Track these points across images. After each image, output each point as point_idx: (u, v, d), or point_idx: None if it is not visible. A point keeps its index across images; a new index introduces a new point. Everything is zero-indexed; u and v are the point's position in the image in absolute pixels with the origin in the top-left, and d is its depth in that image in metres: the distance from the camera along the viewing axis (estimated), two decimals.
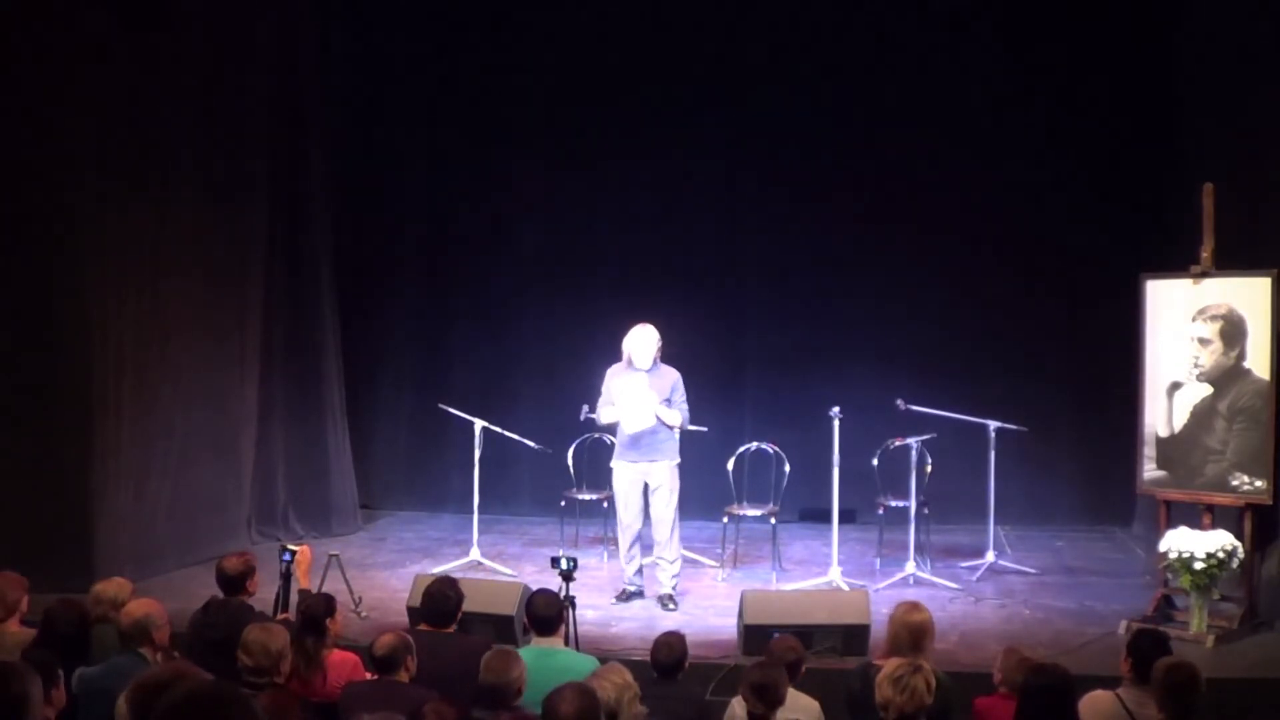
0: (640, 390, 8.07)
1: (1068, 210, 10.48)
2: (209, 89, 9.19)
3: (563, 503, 9.59)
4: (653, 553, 8.24)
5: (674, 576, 8.18)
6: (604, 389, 8.30)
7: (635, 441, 8.13)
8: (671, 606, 8.06)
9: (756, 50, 10.71)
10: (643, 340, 8.17)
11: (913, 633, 5.31)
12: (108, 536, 8.23)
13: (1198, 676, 4.63)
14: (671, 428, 8.14)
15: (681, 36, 10.77)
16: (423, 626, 5.79)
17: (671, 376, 8.23)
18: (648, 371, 8.14)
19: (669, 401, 8.15)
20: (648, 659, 5.97)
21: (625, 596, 8.17)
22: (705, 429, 8.87)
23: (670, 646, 5.41)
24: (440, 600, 5.78)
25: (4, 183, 8.17)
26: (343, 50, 10.75)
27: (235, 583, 6.01)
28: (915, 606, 5.48)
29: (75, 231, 8.18)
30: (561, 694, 4.08)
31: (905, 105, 10.58)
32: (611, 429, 8.54)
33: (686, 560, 8.63)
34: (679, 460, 8.22)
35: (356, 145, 11.08)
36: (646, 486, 8.15)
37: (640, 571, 8.32)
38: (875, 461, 9.08)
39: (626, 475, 8.20)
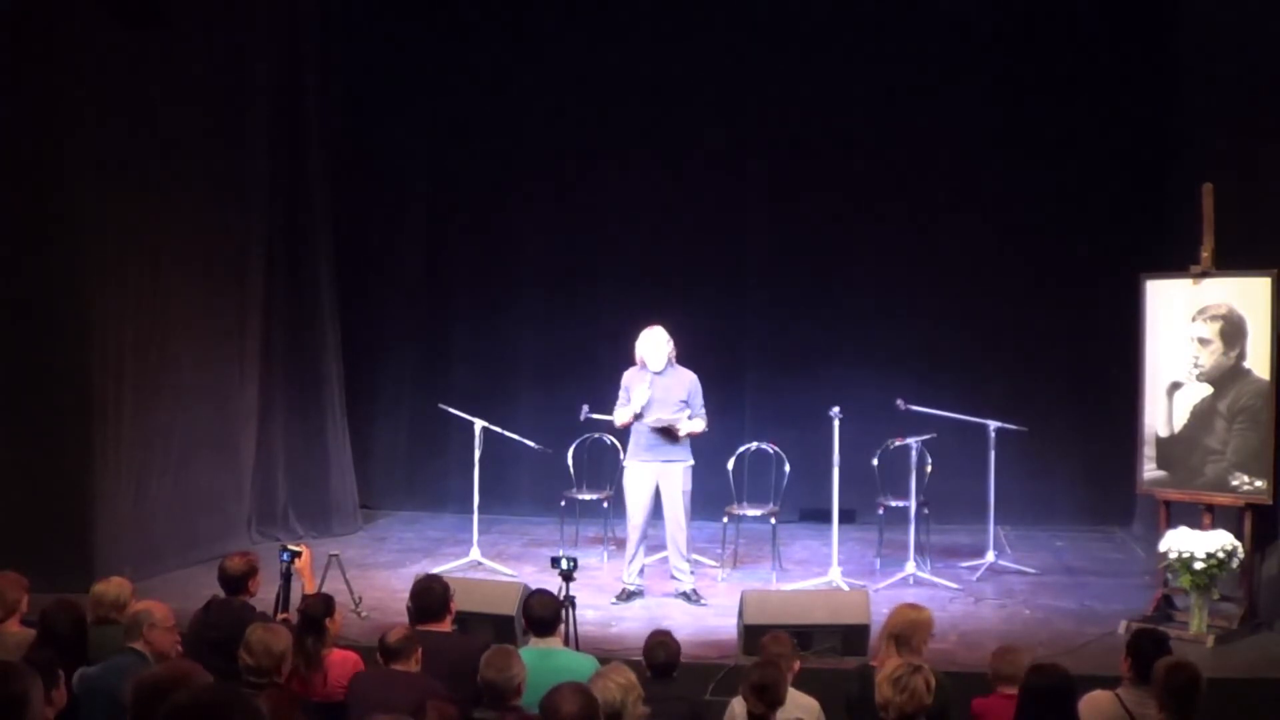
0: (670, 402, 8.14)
1: (1068, 210, 10.48)
2: (209, 88, 9.19)
3: (563, 503, 9.58)
4: (669, 554, 8.26)
5: (691, 574, 8.22)
6: (621, 391, 8.31)
7: (651, 442, 8.14)
8: (702, 601, 8.11)
9: (758, 52, 10.71)
10: (652, 342, 8.19)
11: (905, 626, 5.30)
12: (108, 536, 8.23)
13: (1198, 677, 4.62)
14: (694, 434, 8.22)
15: (685, 38, 10.77)
16: (420, 626, 5.78)
17: (688, 379, 8.26)
18: (660, 374, 8.16)
19: (685, 404, 8.18)
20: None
21: (626, 596, 8.18)
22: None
23: (666, 646, 5.41)
24: (427, 595, 5.77)
25: (4, 182, 8.17)
26: (344, 49, 10.74)
27: (237, 583, 6.01)
28: (915, 606, 5.49)
29: (75, 231, 8.18)
30: (560, 694, 4.07)
31: (905, 106, 10.59)
32: (616, 430, 8.54)
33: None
34: (692, 462, 8.24)
35: (357, 145, 11.07)
36: (658, 487, 8.17)
37: (642, 571, 8.33)
38: (875, 461, 9.08)
39: (639, 475, 8.21)
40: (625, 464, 8.40)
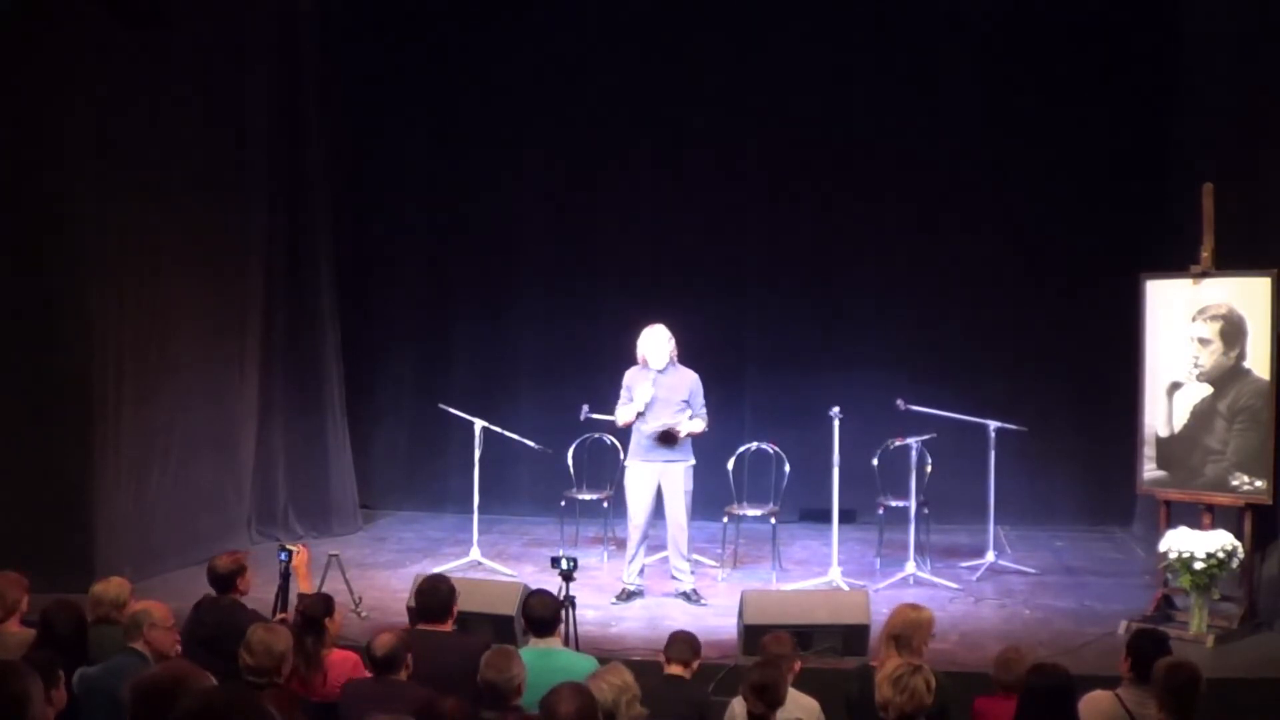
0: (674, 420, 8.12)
1: (1068, 210, 10.48)
2: (209, 87, 9.20)
3: (563, 503, 9.58)
4: (669, 554, 8.25)
5: (691, 574, 8.23)
6: (623, 390, 8.30)
7: (652, 442, 8.13)
8: (702, 601, 8.11)
9: (758, 52, 10.70)
10: (654, 340, 8.19)
11: (905, 626, 5.30)
12: (108, 536, 8.23)
13: (1198, 676, 4.62)
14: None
15: (686, 38, 10.77)
16: (421, 626, 5.79)
17: (690, 378, 8.26)
18: (661, 372, 8.16)
19: (687, 403, 8.17)
20: (648, 659, 5.99)
21: (626, 596, 8.17)
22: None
23: (688, 643, 5.45)
24: (432, 595, 5.77)
25: (3, 182, 8.17)
26: (343, 48, 10.73)
27: (226, 581, 6.02)
28: (915, 606, 5.48)
29: (75, 231, 8.18)
30: (559, 694, 4.08)
31: (906, 106, 10.59)
32: (617, 430, 8.51)
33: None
34: (694, 461, 8.25)
35: (357, 144, 11.07)
36: (660, 487, 8.16)
37: (642, 572, 8.32)
38: (875, 461, 9.08)
39: (641, 475, 8.19)
40: (626, 464, 8.38)
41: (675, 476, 8.15)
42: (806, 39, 10.67)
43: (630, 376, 8.31)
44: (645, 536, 8.25)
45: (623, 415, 8.28)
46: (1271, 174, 7.92)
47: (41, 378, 8.17)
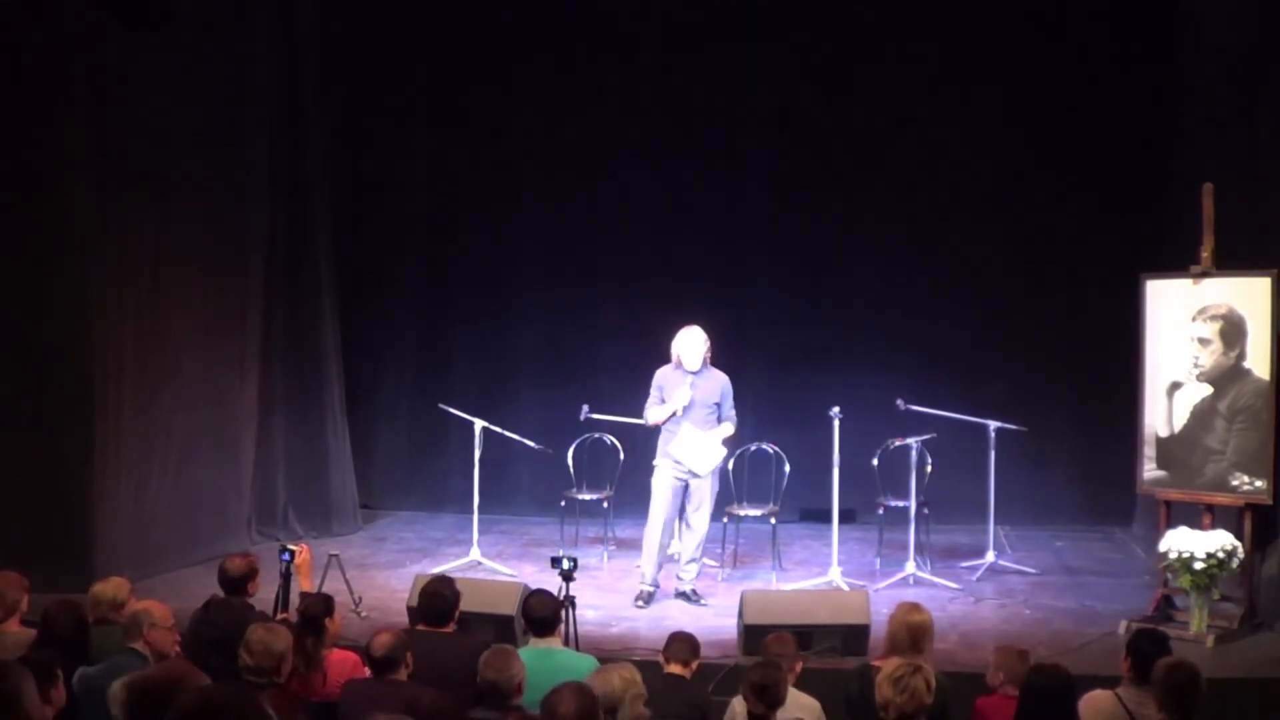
0: (708, 440, 8.09)
1: (1068, 210, 10.49)
2: (209, 88, 9.19)
3: (563, 503, 9.57)
4: (682, 552, 8.24)
5: (696, 576, 8.22)
6: (653, 389, 8.25)
7: (689, 446, 8.09)
8: (702, 601, 8.10)
9: (759, 52, 10.70)
10: (691, 342, 8.15)
11: (912, 633, 5.31)
12: (108, 536, 8.23)
13: (1198, 676, 4.62)
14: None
15: (684, 38, 10.77)
16: (421, 626, 5.79)
17: (721, 381, 8.24)
18: (695, 374, 8.13)
19: (719, 406, 8.17)
20: (648, 659, 5.99)
21: (647, 599, 8.09)
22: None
23: (688, 642, 5.46)
24: (437, 600, 5.78)
25: (3, 181, 8.16)
26: (343, 49, 10.73)
27: (237, 584, 6.04)
28: (915, 607, 5.48)
29: (75, 231, 8.18)
30: (560, 694, 4.08)
31: (906, 106, 10.59)
32: (646, 429, 8.45)
33: None
34: (721, 462, 8.25)
35: (358, 145, 11.07)
36: (688, 486, 8.14)
37: (659, 571, 8.29)
38: (875, 461, 9.08)
39: (672, 475, 8.15)
40: (656, 463, 8.24)
41: (705, 476, 8.13)
42: (807, 40, 10.67)
43: (662, 377, 8.25)
44: (670, 536, 8.22)
45: (655, 416, 8.19)
46: (1271, 174, 7.92)
47: (42, 378, 8.17)
